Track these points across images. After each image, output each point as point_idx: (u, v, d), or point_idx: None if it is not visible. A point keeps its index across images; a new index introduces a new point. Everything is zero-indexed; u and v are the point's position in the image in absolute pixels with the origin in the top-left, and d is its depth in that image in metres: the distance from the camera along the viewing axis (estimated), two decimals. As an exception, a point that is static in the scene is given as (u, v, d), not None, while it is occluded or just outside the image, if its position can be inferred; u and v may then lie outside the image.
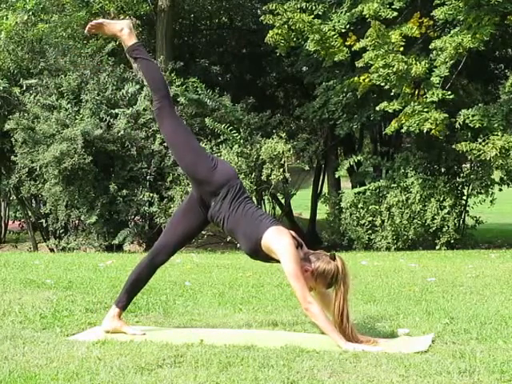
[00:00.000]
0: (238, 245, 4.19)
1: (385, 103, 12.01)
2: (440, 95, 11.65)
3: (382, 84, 11.86)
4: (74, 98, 13.17)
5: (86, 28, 4.25)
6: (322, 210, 15.65)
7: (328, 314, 3.88)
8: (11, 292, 5.48)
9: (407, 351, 3.58)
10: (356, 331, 3.86)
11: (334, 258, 3.88)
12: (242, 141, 12.74)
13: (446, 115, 11.63)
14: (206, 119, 12.69)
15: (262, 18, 12.94)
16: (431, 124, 11.53)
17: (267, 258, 3.97)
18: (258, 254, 3.97)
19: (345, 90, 13.30)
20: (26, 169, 12.84)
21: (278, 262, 3.96)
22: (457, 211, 12.66)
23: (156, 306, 4.95)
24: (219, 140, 12.88)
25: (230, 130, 12.73)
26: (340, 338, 3.74)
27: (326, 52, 12.49)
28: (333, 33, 12.40)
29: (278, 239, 3.85)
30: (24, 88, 13.25)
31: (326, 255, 3.92)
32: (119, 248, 12.80)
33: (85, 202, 12.56)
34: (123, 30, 4.19)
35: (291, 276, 3.80)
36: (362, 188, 13.33)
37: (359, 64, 12.15)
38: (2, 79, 13.18)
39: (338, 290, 3.82)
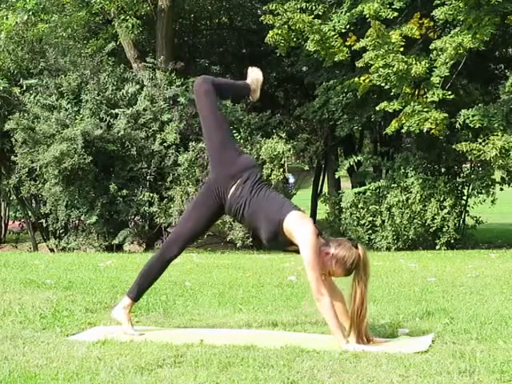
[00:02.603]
0: (254, 233, 4.09)
1: (385, 103, 12.01)
2: (440, 95, 11.65)
3: (382, 84, 11.85)
4: (74, 98, 13.18)
5: None
6: (322, 210, 15.65)
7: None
8: (11, 292, 5.48)
9: (407, 351, 3.58)
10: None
11: (356, 246, 3.86)
12: (242, 141, 12.74)
13: (446, 115, 11.63)
14: (206, 119, 12.67)
15: (262, 18, 12.94)
16: (431, 124, 11.53)
17: (286, 243, 3.91)
18: (278, 238, 3.90)
19: (345, 90, 13.29)
20: (26, 169, 12.84)
21: (295, 250, 3.92)
22: (457, 211, 12.66)
23: (156, 306, 4.95)
24: (219, 140, 12.87)
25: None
26: (342, 338, 3.73)
27: (326, 52, 12.49)
28: (333, 33, 12.40)
29: (300, 224, 3.83)
30: (24, 88, 13.25)
31: (347, 242, 3.90)
32: (119, 248, 12.81)
33: (85, 201, 12.56)
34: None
35: (308, 265, 3.77)
36: (362, 188, 13.33)
37: (359, 64, 12.15)
38: (2, 79, 13.18)
39: (359, 278, 3.79)
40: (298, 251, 3.90)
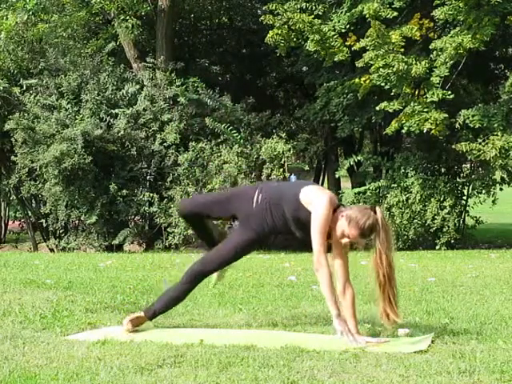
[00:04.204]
0: (289, 229, 4.07)
1: (385, 103, 12.01)
2: (440, 95, 11.65)
3: (382, 84, 11.85)
4: (74, 98, 13.18)
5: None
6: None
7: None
8: (11, 292, 5.48)
9: (407, 351, 3.58)
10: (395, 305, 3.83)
11: (374, 211, 3.83)
12: (242, 141, 12.74)
13: (446, 115, 11.63)
14: (206, 119, 12.70)
15: (262, 18, 12.94)
16: (431, 124, 11.53)
17: (308, 217, 3.88)
18: (300, 214, 3.91)
19: (345, 91, 13.29)
20: (26, 169, 12.84)
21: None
22: (457, 211, 12.66)
23: (156, 306, 4.94)
24: (219, 140, 12.89)
25: (230, 130, 12.73)
26: (335, 310, 3.74)
27: (326, 52, 12.49)
28: (333, 33, 12.40)
29: (318, 194, 3.88)
30: (24, 88, 13.25)
31: (366, 207, 3.90)
32: (119, 248, 12.81)
33: (85, 201, 12.56)
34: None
35: (314, 232, 3.79)
36: (362, 188, 13.32)
37: (359, 64, 12.15)
38: (2, 79, 13.18)
39: (380, 242, 3.76)
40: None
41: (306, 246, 4.02)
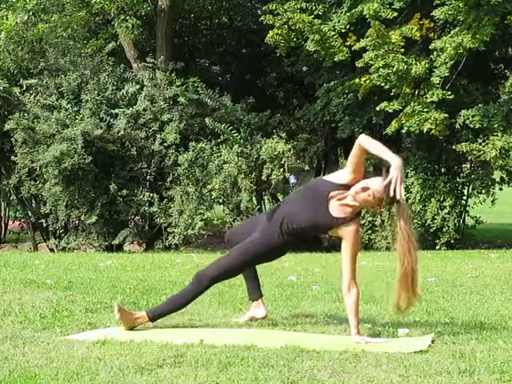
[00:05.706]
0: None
1: (385, 103, 12.01)
2: (440, 95, 11.65)
3: (382, 84, 11.85)
4: (74, 98, 13.17)
5: None
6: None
7: None
8: (11, 292, 5.48)
9: (407, 351, 3.58)
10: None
11: None
12: (242, 141, 12.73)
13: (446, 115, 11.63)
14: (206, 119, 12.69)
15: (262, 18, 12.94)
16: (431, 124, 11.53)
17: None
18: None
19: (346, 91, 13.29)
20: (26, 169, 12.83)
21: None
22: (457, 211, 12.65)
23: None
24: (219, 140, 12.89)
25: (230, 130, 12.73)
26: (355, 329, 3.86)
27: (326, 52, 12.49)
28: (333, 33, 12.40)
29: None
30: (24, 88, 13.25)
31: None
32: (119, 248, 12.80)
33: (85, 201, 12.55)
34: None
35: (346, 258, 3.97)
36: (363, 188, 13.26)
37: (359, 64, 12.15)
38: (2, 79, 13.18)
39: (401, 211, 3.88)
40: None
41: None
